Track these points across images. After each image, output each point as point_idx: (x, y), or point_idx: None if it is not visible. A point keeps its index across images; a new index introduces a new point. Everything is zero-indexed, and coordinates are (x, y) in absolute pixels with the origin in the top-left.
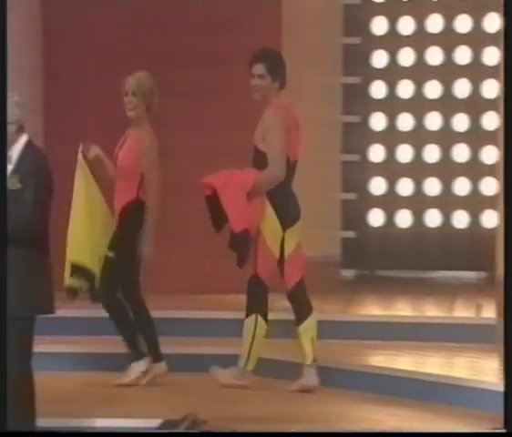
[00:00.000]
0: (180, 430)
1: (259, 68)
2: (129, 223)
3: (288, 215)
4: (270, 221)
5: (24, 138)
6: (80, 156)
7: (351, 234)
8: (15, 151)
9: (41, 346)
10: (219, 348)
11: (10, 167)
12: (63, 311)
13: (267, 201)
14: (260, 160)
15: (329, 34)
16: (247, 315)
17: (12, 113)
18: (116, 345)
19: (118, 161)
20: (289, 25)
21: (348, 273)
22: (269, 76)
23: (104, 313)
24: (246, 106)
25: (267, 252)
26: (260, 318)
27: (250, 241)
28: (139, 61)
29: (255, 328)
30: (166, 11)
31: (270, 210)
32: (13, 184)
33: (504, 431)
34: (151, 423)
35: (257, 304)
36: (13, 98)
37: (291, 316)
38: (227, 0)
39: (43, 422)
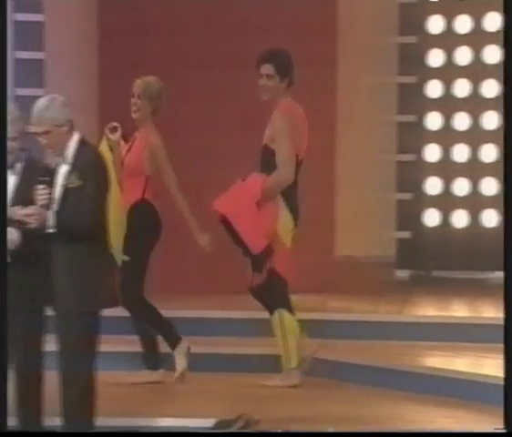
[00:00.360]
0: (234, 430)
1: (267, 68)
2: (137, 224)
3: (297, 211)
4: (284, 218)
5: (76, 137)
6: (106, 132)
7: (406, 234)
8: (69, 150)
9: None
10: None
11: (66, 166)
12: (117, 311)
13: (280, 198)
14: (270, 159)
15: (384, 33)
16: (270, 313)
17: (62, 114)
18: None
19: (125, 162)
20: (344, 25)
21: (403, 274)
22: (277, 77)
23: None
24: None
25: (282, 248)
26: (284, 312)
27: (272, 252)
28: (194, 60)
29: (282, 323)
30: (215, 12)
31: (283, 207)
32: (72, 181)
33: (504, 431)
34: (205, 423)
35: (278, 299)
36: (58, 100)
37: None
38: (283, 0)
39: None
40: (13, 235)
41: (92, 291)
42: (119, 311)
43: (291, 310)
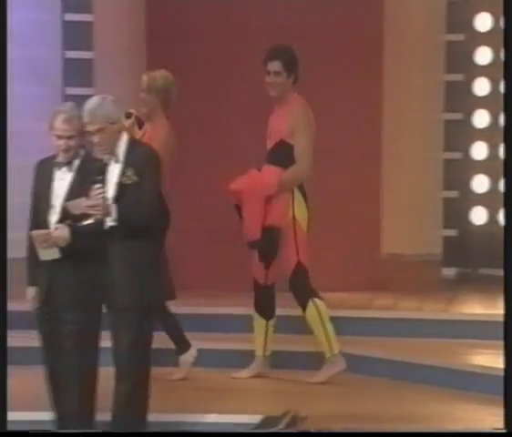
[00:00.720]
0: (281, 426)
1: (275, 65)
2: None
3: (307, 199)
4: (301, 205)
5: (125, 135)
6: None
7: (453, 232)
8: (120, 148)
9: None
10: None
11: (119, 164)
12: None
13: (297, 190)
14: (286, 153)
15: (432, 31)
16: (304, 306)
17: (114, 111)
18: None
19: None
20: (391, 23)
21: (450, 272)
22: (284, 73)
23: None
24: None
25: (305, 237)
26: (316, 299)
27: (272, 243)
28: (241, 59)
29: (319, 311)
30: (270, 10)
31: (300, 198)
32: (128, 178)
33: (504, 431)
34: (252, 419)
35: (309, 290)
36: (109, 98)
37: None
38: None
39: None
40: (64, 231)
41: (151, 286)
42: None
43: (319, 296)
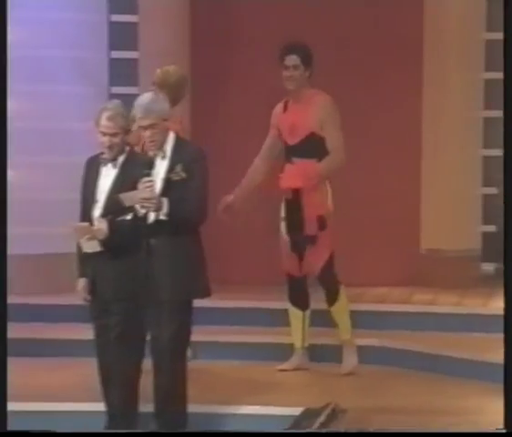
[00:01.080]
0: (321, 418)
1: (292, 59)
2: None
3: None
4: (331, 200)
5: (171, 134)
6: None
7: (492, 228)
8: (167, 144)
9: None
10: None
11: (166, 160)
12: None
13: (327, 182)
14: (317, 146)
15: (471, 29)
16: (334, 297)
17: (166, 108)
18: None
19: None
20: (431, 22)
21: (489, 267)
22: (302, 66)
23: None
24: None
25: (332, 228)
26: (343, 291)
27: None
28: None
29: (346, 303)
30: (307, 8)
31: (330, 190)
32: (177, 174)
33: (504, 431)
34: (294, 411)
35: (338, 280)
36: (160, 96)
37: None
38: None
39: (192, 408)
40: (102, 225)
41: (194, 280)
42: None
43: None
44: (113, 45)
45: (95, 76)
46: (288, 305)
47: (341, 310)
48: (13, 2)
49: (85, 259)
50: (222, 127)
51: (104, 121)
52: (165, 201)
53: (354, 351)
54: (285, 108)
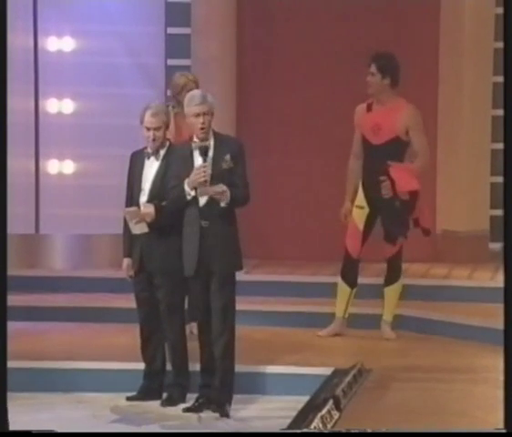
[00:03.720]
0: (349, 378)
1: (371, 67)
2: None
3: None
4: None
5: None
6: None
7: (499, 212)
8: (210, 135)
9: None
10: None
11: (211, 150)
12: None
13: None
14: (401, 149)
15: (482, 39)
16: (396, 278)
17: (215, 104)
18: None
19: None
20: (446, 32)
21: (496, 246)
22: (379, 74)
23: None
24: None
25: None
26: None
27: None
28: (328, 67)
29: (401, 285)
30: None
31: None
32: (226, 163)
33: (504, 431)
34: (323, 371)
35: (401, 265)
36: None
37: None
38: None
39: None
40: (150, 209)
41: (238, 254)
42: None
43: None
44: (169, 54)
45: (153, 80)
46: (339, 279)
47: (395, 293)
48: (87, 16)
49: (133, 239)
50: (265, 128)
51: (148, 117)
52: (228, 193)
53: (390, 328)
54: (369, 109)
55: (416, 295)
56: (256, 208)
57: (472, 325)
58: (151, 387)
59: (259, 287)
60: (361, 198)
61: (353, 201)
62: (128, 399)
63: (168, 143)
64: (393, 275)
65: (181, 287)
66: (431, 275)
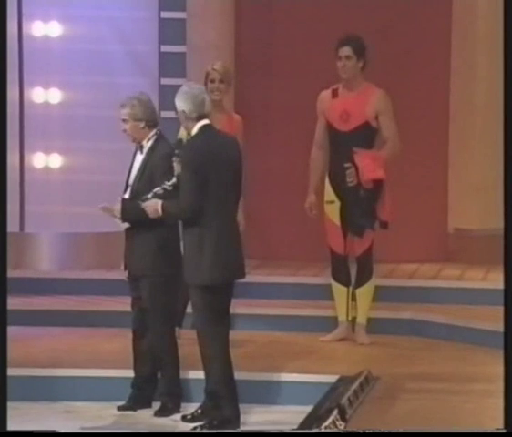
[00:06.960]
0: (355, 386)
1: (345, 50)
2: None
3: None
4: None
5: None
6: None
7: None
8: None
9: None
10: None
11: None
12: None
13: None
14: (370, 135)
15: (492, 34)
16: (367, 278)
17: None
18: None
19: None
20: (458, 26)
21: None
22: (354, 57)
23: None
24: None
25: None
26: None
27: None
28: (329, 54)
29: (373, 285)
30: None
31: None
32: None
33: (504, 431)
34: (329, 379)
35: (373, 264)
36: None
37: None
38: None
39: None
40: (117, 205)
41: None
42: None
43: None
44: (163, 40)
45: (146, 68)
46: (332, 282)
47: (367, 294)
48: (75, 1)
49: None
50: (264, 118)
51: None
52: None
53: (365, 332)
54: (334, 95)
55: (427, 298)
56: (256, 207)
57: (487, 330)
58: (141, 395)
59: (259, 288)
60: (329, 192)
61: (317, 193)
62: (120, 409)
63: (154, 137)
64: (363, 275)
65: (164, 290)
66: (443, 276)
